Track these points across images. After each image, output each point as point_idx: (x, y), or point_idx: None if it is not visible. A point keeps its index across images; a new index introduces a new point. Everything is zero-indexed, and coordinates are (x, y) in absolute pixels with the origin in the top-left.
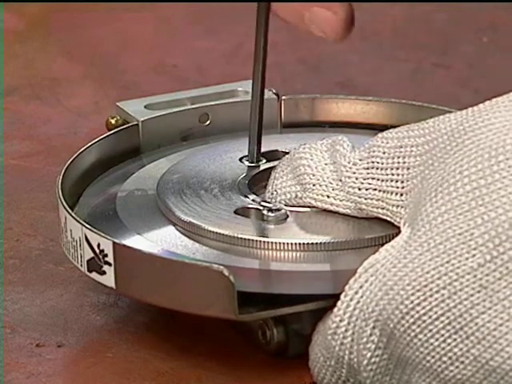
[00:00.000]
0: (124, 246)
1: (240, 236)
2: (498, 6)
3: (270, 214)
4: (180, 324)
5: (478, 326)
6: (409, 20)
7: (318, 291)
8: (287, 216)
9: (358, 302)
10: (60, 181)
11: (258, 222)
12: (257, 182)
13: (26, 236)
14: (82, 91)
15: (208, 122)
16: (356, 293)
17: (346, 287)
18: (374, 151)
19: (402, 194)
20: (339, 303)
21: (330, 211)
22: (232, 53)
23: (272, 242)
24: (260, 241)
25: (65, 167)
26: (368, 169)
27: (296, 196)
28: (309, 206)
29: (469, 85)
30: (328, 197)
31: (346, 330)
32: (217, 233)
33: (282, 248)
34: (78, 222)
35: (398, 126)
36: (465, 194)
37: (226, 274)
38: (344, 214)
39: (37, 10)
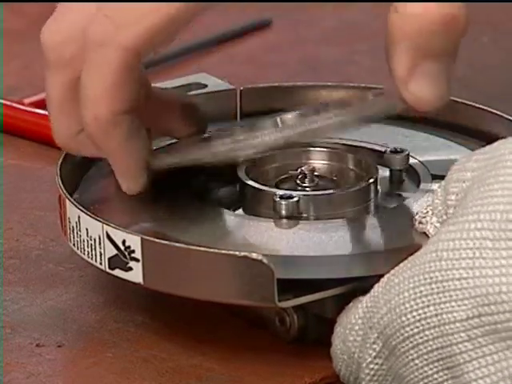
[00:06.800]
0: (153, 241)
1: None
2: (498, 5)
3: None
4: (180, 324)
5: (463, 371)
6: None
7: (355, 274)
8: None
9: (369, 307)
10: (60, 180)
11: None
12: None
13: (25, 236)
14: None
15: None
16: (368, 298)
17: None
18: (451, 170)
19: (455, 207)
20: (364, 299)
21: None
22: (232, 52)
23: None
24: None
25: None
26: (442, 189)
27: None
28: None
29: (469, 85)
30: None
31: (360, 329)
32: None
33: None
34: (97, 220)
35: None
36: (474, 241)
37: (266, 262)
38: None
39: (37, 10)
